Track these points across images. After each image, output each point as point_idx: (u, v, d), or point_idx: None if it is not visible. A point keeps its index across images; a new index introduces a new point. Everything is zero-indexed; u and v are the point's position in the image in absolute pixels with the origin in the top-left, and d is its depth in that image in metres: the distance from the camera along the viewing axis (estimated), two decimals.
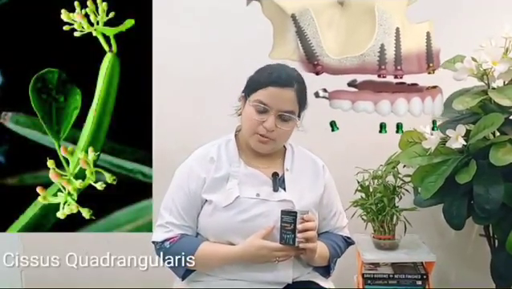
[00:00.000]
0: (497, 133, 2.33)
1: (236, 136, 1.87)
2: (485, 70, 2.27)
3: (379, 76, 1.62)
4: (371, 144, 2.67)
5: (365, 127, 2.60)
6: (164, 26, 2.56)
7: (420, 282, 2.45)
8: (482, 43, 2.28)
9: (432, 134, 2.32)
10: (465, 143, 2.26)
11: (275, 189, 1.80)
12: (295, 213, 1.69)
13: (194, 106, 2.69)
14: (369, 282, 2.47)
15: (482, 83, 2.32)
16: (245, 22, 2.62)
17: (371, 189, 2.55)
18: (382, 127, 1.74)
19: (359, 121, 2.49)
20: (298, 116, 1.82)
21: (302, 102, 1.81)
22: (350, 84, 1.76)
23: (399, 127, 1.74)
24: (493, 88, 2.31)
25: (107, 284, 2.69)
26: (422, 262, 2.52)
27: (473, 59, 2.27)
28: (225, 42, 2.66)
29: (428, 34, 1.64)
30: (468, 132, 2.28)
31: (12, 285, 2.71)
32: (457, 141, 2.26)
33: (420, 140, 2.38)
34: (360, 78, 1.73)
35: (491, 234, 2.54)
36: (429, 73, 1.65)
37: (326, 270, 1.88)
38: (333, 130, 1.75)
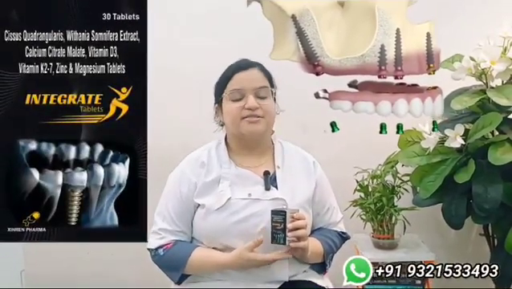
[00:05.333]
0: (496, 132, 2.33)
1: (226, 138, 1.89)
2: (483, 69, 2.27)
3: (379, 77, 1.62)
4: (370, 143, 2.67)
5: (364, 127, 2.62)
6: (163, 27, 2.57)
7: (419, 282, 2.46)
8: (480, 43, 2.28)
9: (430, 134, 2.33)
10: (463, 142, 2.26)
11: (267, 188, 1.81)
12: (285, 212, 1.70)
13: (195, 106, 2.69)
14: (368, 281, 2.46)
15: (481, 83, 2.33)
16: (245, 23, 2.63)
17: (370, 189, 2.55)
18: (382, 127, 1.73)
19: (357, 122, 2.51)
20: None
21: (270, 80, 1.84)
22: (350, 85, 1.76)
23: (399, 127, 1.73)
24: (492, 88, 2.32)
25: (108, 284, 2.69)
26: (421, 262, 2.52)
27: (472, 59, 2.27)
28: (225, 42, 2.66)
29: (428, 34, 1.64)
30: (466, 131, 2.29)
31: (12, 285, 2.71)
32: (455, 141, 2.26)
33: (419, 139, 2.39)
34: (361, 78, 1.73)
35: (490, 234, 2.54)
36: (430, 74, 1.65)
37: (322, 267, 1.89)
38: (333, 131, 1.75)
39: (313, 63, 1.62)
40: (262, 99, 1.80)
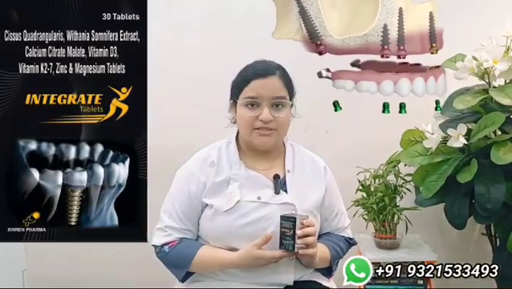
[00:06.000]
0: (499, 132, 2.32)
1: (237, 138, 1.87)
2: (485, 69, 2.26)
3: (382, 56, 1.61)
4: (371, 143, 2.67)
5: (366, 126, 2.62)
6: (164, 27, 2.57)
7: (421, 282, 2.45)
8: (483, 42, 2.27)
9: (433, 133, 2.32)
10: (466, 142, 2.26)
11: (277, 192, 1.79)
12: (295, 218, 1.67)
13: (195, 106, 2.69)
14: (370, 281, 2.45)
15: (483, 82, 2.32)
16: (245, 23, 2.63)
17: (372, 189, 2.55)
18: (385, 107, 1.72)
19: (360, 120, 2.51)
20: (291, 105, 1.81)
21: (289, 87, 1.80)
22: (353, 64, 1.75)
23: (402, 107, 1.72)
24: (494, 87, 2.31)
25: (108, 284, 2.70)
26: (423, 262, 2.51)
27: (474, 58, 2.26)
28: (226, 41, 2.66)
29: (431, 14, 1.63)
30: (469, 131, 2.28)
31: (13, 284, 2.72)
32: (458, 140, 2.25)
33: (422, 139, 2.38)
34: (363, 58, 1.71)
35: (493, 234, 2.53)
36: (432, 53, 1.64)
37: (327, 272, 1.87)
38: (336, 110, 1.74)
39: (316, 42, 1.62)
40: (278, 111, 1.76)
